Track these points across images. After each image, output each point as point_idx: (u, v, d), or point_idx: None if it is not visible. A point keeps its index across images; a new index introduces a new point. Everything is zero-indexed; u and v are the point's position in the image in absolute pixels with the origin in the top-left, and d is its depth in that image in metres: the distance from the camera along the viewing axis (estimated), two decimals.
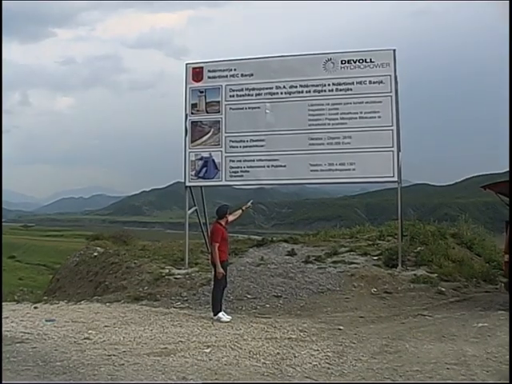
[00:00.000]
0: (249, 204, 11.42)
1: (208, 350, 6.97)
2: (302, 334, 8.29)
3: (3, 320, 9.31)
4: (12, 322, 9.36)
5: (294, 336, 8.12)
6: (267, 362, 6.46)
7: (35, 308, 12.11)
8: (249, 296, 11.73)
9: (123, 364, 6.21)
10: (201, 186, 15.33)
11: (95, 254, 18.13)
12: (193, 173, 14.56)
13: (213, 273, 10.26)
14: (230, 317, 9.79)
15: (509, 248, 10.90)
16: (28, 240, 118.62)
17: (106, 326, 8.98)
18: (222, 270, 9.80)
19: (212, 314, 9.80)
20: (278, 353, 6.95)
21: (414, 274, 12.51)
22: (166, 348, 7.14)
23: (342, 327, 8.73)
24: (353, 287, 11.97)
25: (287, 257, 14.61)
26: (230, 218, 10.71)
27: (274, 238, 17.06)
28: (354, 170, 13.50)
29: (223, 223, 10.16)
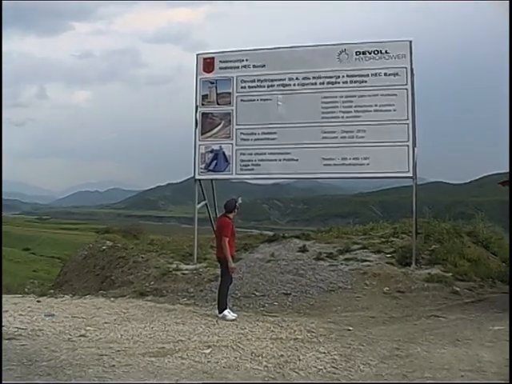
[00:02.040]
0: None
1: (208, 351, 6.62)
2: (309, 334, 7.92)
3: (2, 314, 9.04)
4: (10, 317, 9.08)
5: (300, 337, 7.76)
6: (269, 365, 6.09)
7: (38, 302, 11.85)
8: (257, 293, 11.38)
9: (114, 365, 5.86)
10: (211, 180, 15.00)
11: (104, 247, 17.85)
12: (202, 166, 14.23)
13: (220, 269, 9.88)
14: (235, 315, 9.45)
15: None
16: (43, 232, 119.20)
17: (105, 323, 8.69)
18: (234, 265, 9.56)
19: (217, 311, 9.46)
20: (282, 355, 6.59)
21: (428, 273, 12.05)
22: (163, 348, 6.79)
23: (351, 328, 8.35)
24: (365, 286, 11.56)
25: (298, 253, 14.21)
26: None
27: (286, 234, 16.70)
28: (367, 164, 13.08)
29: (231, 217, 9.80)
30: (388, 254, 13.52)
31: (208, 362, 6.19)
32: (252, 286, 11.71)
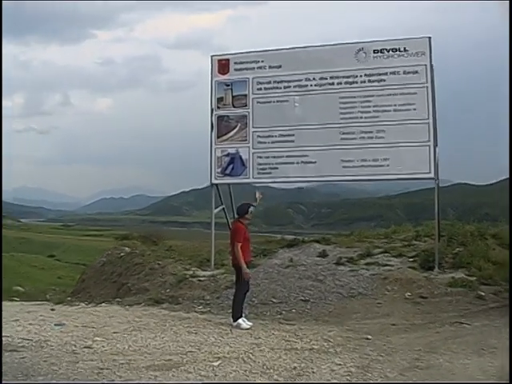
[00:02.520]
0: (260, 194, 10.63)
1: (217, 363, 6.28)
2: (325, 344, 7.56)
3: (10, 324, 8.84)
4: (19, 326, 8.89)
5: (316, 347, 7.40)
6: (280, 379, 5.76)
7: (52, 310, 11.75)
8: (274, 300, 11.03)
9: (113, 380, 5.57)
10: (228, 184, 14.74)
11: (122, 254, 17.64)
12: (219, 170, 13.96)
13: (235, 276, 9.57)
14: (250, 323, 9.11)
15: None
16: (68, 239, 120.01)
17: (115, 333, 8.41)
18: (248, 271, 9.18)
19: (232, 319, 9.14)
20: (295, 367, 6.25)
21: (452, 277, 11.58)
22: (170, 360, 6.48)
23: (370, 336, 7.96)
24: (386, 291, 11.15)
25: (318, 258, 13.86)
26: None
27: (306, 239, 16.34)
28: (387, 165, 12.70)
29: (244, 222, 9.48)
30: (410, 257, 13.10)
31: (215, 375, 5.87)
32: (269, 293, 11.37)
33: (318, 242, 15.56)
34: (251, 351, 7.05)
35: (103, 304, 12.64)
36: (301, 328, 8.78)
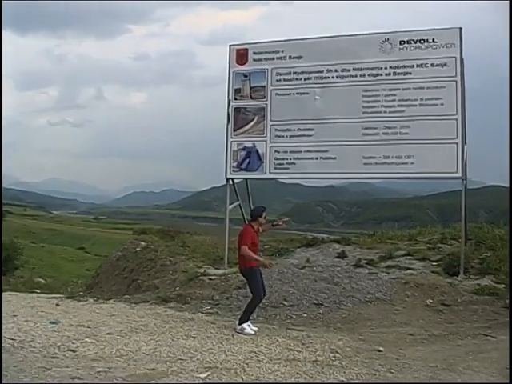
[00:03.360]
0: (284, 221, 9.76)
1: (204, 375, 5.59)
2: (331, 355, 6.86)
3: (6, 320, 8.35)
4: (13, 323, 8.33)
5: (321, 358, 6.71)
6: None
7: (57, 305, 11.24)
8: (285, 303, 10.37)
9: None
10: (246, 179, 14.18)
11: (138, 249, 17.15)
12: (234, 164, 13.40)
13: (247, 283, 8.90)
14: (256, 328, 8.46)
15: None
16: (98, 232, 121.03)
17: (108, 334, 7.83)
18: (267, 261, 8.77)
19: (237, 322, 8.51)
20: None
21: (478, 284, 10.80)
22: (153, 370, 5.80)
23: (382, 348, 7.23)
24: (405, 297, 10.43)
25: (336, 259, 13.22)
26: (263, 226, 9.45)
27: (326, 238, 15.67)
28: (412, 163, 12.00)
29: (255, 226, 8.77)
30: (434, 261, 12.37)
31: None
32: (281, 295, 10.72)
33: (337, 242, 14.94)
34: (247, 361, 6.38)
35: (111, 300, 12.15)
36: (309, 335, 8.10)
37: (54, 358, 6.27)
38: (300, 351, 7.06)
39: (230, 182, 13.67)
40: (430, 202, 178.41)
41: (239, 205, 14.21)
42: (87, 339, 7.40)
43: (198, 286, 11.93)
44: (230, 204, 13.86)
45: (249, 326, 8.39)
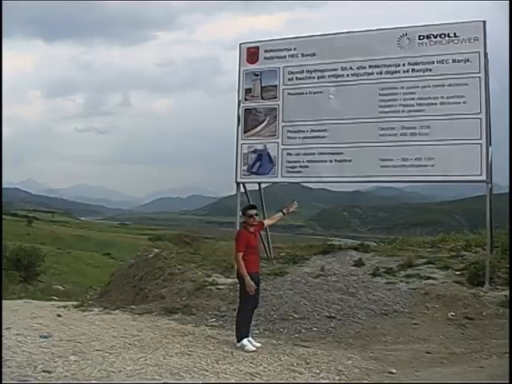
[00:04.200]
0: (294, 206, 8.76)
1: None
2: (337, 378, 6.15)
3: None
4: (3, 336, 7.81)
5: (324, 381, 6.03)
6: None
7: (58, 316, 10.78)
8: (295, 315, 9.65)
9: None
10: (259, 183, 13.54)
11: (150, 256, 16.56)
12: (245, 167, 12.76)
13: (239, 288, 8.20)
14: (258, 344, 7.77)
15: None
16: (124, 238, 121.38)
17: (97, 350, 7.23)
18: (252, 284, 7.70)
19: (236, 339, 7.83)
20: None
21: (505, 295, 9.89)
22: None
23: (395, 370, 6.49)
24: (425, 309, 9.62)
25: (353, 268, 12.48)
26: (267, 221, 8.76)
27: (343, 245, 14.94)
28: (432, 166, 11.23)
29: (250, 228, 8.02)
30: (457, 270, 11.54)
31: None
32: (291, 306, 10.00)
33: (355, 249, 14.20)
34: None
35: (116, 311, 11.62)
36: (315, 353, 7.39)
37: (23, 381, 5.66)
38: (302, 373, 6.36)
39: (241, 186, 13.03)
40: (458, 207, 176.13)
41: None
42: (72, 357, 6.80)
43: (205, 295, 11.32)
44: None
45: (250, 341, 7.71)
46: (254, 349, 7.52)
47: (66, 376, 5.92)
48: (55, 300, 19.25)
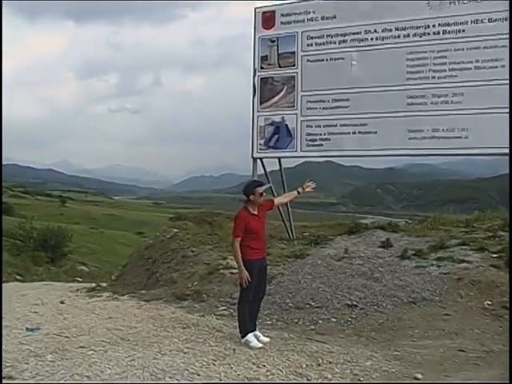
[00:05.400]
0: (310, 186, 7.51)
1: None
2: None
3: None
4: None
5: None
6: None
7: (61, 303, 10.19)
8: (313, 303, 8.70)
9: None
10: (278, 159, 12.60)
11: (167, 236, 15.75)
12: (262, 141, 11.90)
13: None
14: (266, 339, 6.86)
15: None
16: (157, 217, 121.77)
17: (81, 347, 6.43)
18: (245, 273, 6.69)
19: (240, 334, 6.93)
20: None
21: None
22: None
23: (421, 375, 5.51)
24: (458, 297, 8.56)
25: (379, 249, 11.41)
26: (278, 200, 7.68)
27: (369, 224, 13.91)
28: (466, 137, 10.18)
29: (251, 208, 6.91)
30: (494, 253, 10.36)
31: None
32: (309, 293, 9.06)
33: (383, 228, 13.13)
34: None
35: (125, 296, 10.99)
36: (331, 350, 6.45)
37: None
38: (311, 377, 5.43)
39: (258, 161, 12.13)
40: (494, 184, 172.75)
41: (270, 188, 12.56)
42: (49, 356, 6.02)
43: (218, 280, 10.45)
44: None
45: (256, 336, 6.81)
46: (260, 345, 6.60)
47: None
48: (78, 281, 18.79)
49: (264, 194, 6.92)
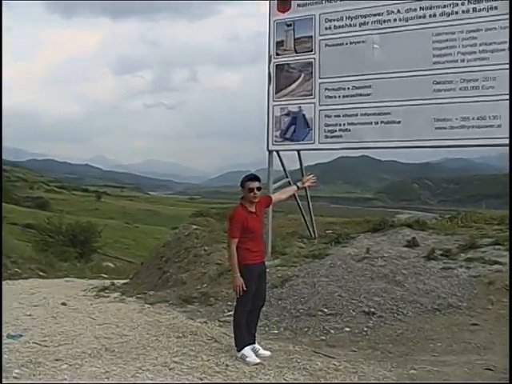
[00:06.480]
0: (310, 180, 6.84)
1: None
2: None
3: None
4: None
5: None
6: None
7: (63, 305, 9.77)
8: (326, 310, 7.89)
9: None
10: (298, 151, 11.84)
11: (186, 233, 15.08)
12: (277, 133, 11.10)
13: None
14: (267, 353, 6.10)
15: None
16: (192, 212, 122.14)
17: (56, 360, 5.77)
18: (240, 280, 5.95)
19: (236, 348, 6.15)
20: None
21: None
22: None
23: None
24: (488, 304, 7.67)
25: (405, 248, 10.55)
26: (277, 196, 6.86)
27: (395, 222, 13.04)
28: (498, 126, 9.22)
29: (250, 206, 6.18)
30: None
31: None
32: (323, 298, 8.24)
33: (409, 226, 12.26)
34: None
35: (131, 298, 10.43)
36: (337, 368, 5.65)
37: None
38: None
39: (275, 154, 11.38)
40: None
41: (289, 182, 11.78)
42: (17, 371, 5.35)
43: (228, 282, 9.69)
44: (276, 182, 11.57)
45: (255, 350, 6.04)
46: (258, 361, 5.81)
47: None
48: (102, 278, 18.33)
49: (256, 190, 6.06)
